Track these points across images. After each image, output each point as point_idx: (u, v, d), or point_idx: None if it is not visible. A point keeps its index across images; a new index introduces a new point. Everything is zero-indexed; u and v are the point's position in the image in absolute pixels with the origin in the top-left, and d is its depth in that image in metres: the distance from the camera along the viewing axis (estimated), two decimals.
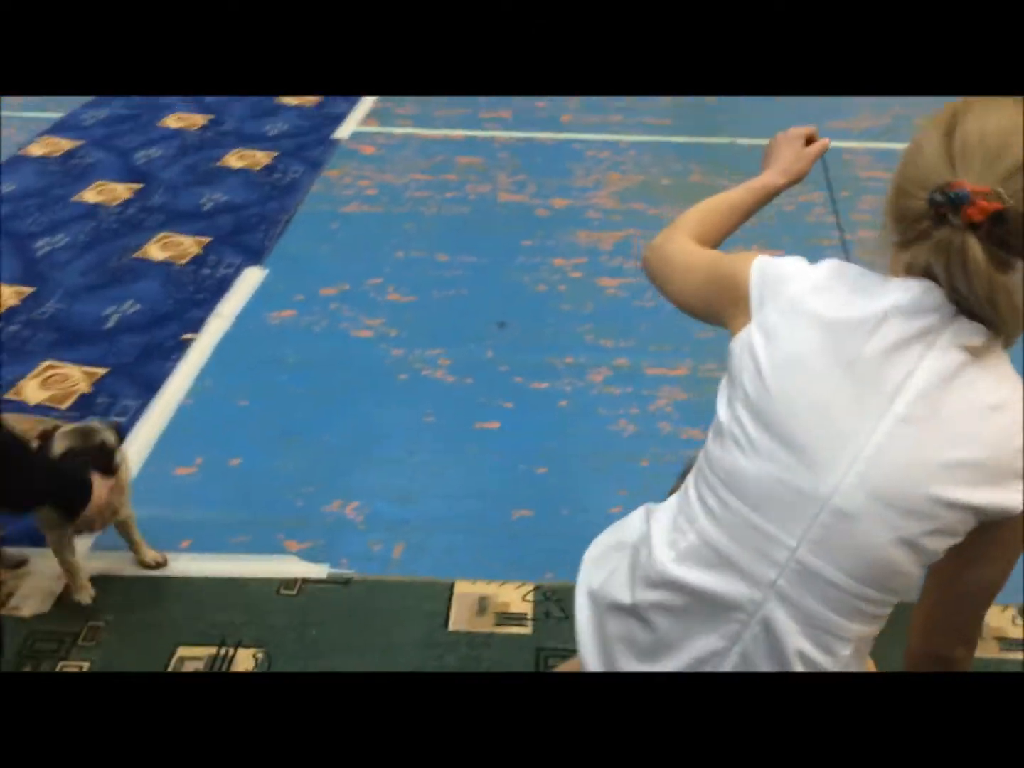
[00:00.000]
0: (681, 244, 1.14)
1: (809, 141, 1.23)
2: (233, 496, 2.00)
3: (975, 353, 0.88)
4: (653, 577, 1.03)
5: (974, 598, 0.99)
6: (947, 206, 0.84)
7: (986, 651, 1.65)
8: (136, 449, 2.09)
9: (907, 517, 0.90)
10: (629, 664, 1.05)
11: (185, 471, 2.06)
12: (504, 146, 3.66)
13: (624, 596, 1.06)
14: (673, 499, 1.10)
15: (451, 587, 1.78)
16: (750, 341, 0.98)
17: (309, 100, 4.11)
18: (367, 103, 4.07)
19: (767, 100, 4.02)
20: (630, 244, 2.97)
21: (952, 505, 0.89)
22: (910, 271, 0.91)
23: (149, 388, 2.30)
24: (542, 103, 4.08)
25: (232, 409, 2.25)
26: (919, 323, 0.90)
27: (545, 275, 2.81)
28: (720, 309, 1.04)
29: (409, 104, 4.06)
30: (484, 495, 2.02)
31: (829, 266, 0.98)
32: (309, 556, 1.85)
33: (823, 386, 0.92)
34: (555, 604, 1.76)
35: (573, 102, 4.08)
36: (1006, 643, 1.67)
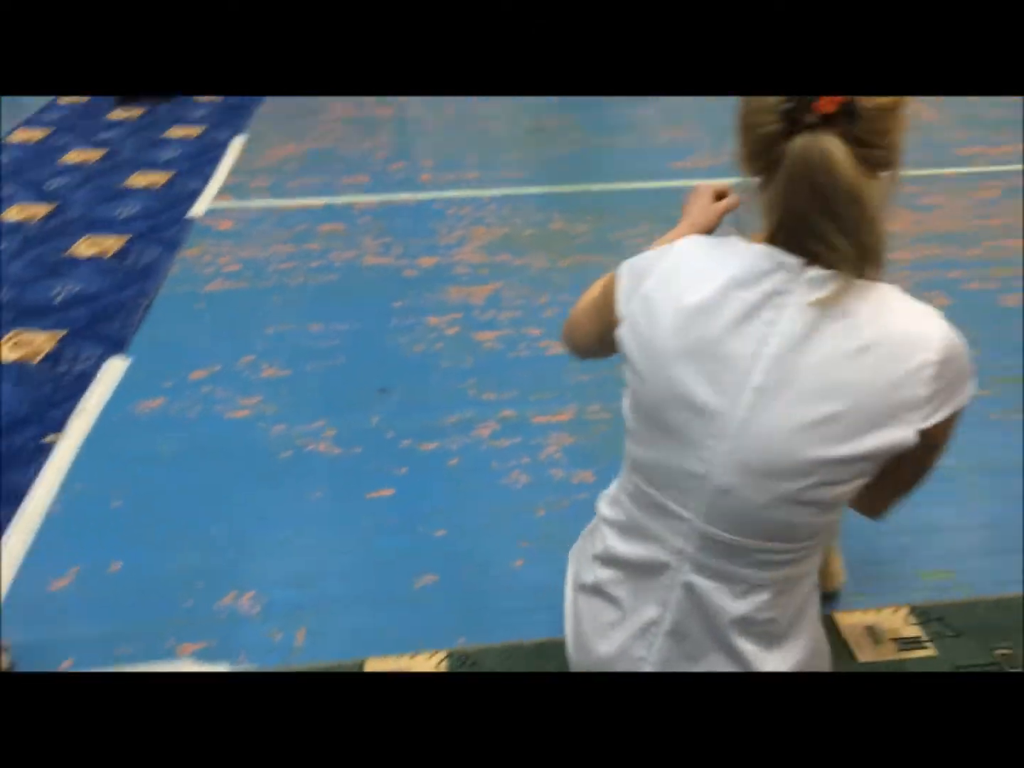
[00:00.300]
0: (581, 302, 1.20)
1: (720, 197, 1.30)
2: (116, 604, 1.87)
3: (830, 303, 0.89)
4: (602, 555, 1.14)
5: (903, 496, 1.10)
6: (798, 109, 0.87)
7: (884, 654, 1.72)
8: (2, 567, 1.94)
9: (783, 480, 0.93)
10: (593, 639, 1.14)
11: (60, 584, 1.92)
12: (364, 210, 3.67)
13: (588, 577, 1.16)
14: (613, 485, 1.20)
15: (360, 666, 1.72)
16: (623, 339, 1.02)
17: (158, 181, 4.00)
18: (219, 179, 4.00)
19: (611, 149, 4.20)
20: (500, 296, 3.01)
21: (829, 462, 0.90)
22: (775, 208, 0.91)
23: (12, 499, 2.15)
24: (398, 164, 4.11)
25: (106, 511, 2.12)
26: (761, 288, 0.92)
27: (421, 335, 2.81)
28: (614, 330, 1.07)
29: (261, 176, 4.01)
30: (384, 566, 1.97)
31: (681, 248, 1.00)
32: (205, 657, 1.75)
33: (682, 373, 0.95)
34: (470, 668, 1.73)
35: (428, 162, 4.13)
36: (904, 643, 1.74)
